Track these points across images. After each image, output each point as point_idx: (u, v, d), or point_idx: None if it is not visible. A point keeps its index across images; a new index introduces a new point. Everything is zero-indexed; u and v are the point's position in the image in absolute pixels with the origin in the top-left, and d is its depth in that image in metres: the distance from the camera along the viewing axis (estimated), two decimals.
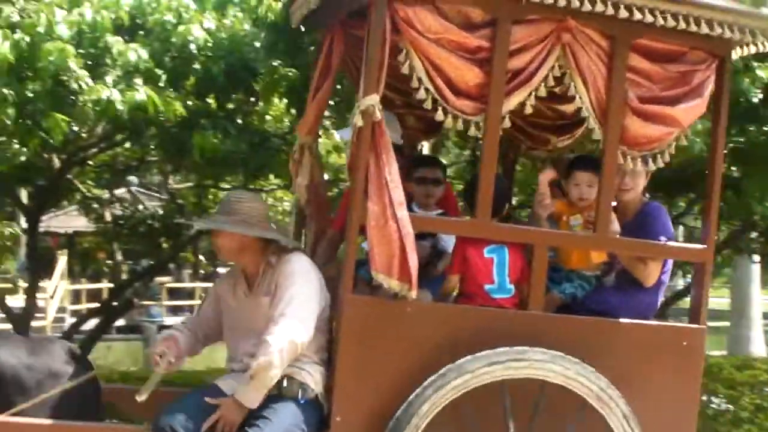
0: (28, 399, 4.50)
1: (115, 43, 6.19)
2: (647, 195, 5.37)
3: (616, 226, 4.98)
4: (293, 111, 7.23)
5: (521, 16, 4.68)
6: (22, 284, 18.15)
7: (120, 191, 13.80)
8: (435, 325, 4.63)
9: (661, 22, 4.72)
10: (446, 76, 4.63)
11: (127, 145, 8.89)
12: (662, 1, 4.71)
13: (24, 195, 10.27)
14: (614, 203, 5.38)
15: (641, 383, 4.81)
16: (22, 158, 7.91)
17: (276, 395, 4.44)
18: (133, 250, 18.04)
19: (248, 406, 4.37)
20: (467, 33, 4.62)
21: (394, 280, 4.49)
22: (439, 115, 4.64)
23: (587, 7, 4.60)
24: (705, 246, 4.98)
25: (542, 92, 4.77)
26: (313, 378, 4.53)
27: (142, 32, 6.53)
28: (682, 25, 4.75)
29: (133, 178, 15.32)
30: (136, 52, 6.15)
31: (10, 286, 20.87)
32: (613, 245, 4.96)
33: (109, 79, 6.13)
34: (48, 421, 4.42)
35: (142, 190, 17.15)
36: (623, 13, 4.66)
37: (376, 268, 4.49)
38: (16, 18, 6.34)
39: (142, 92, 6.07)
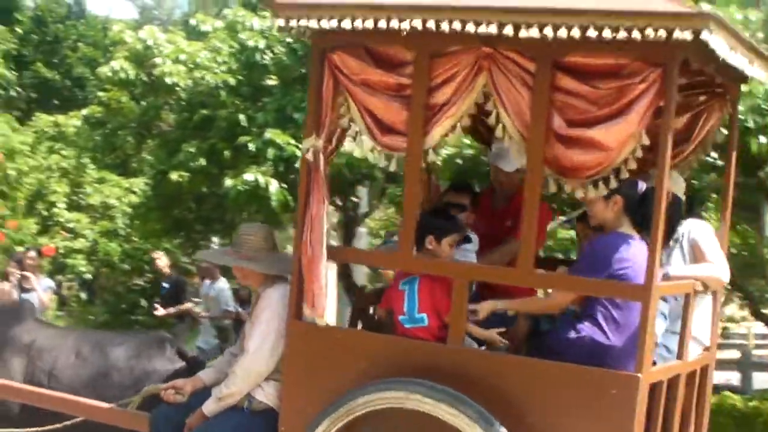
0: (126, 393, 5.80)
1: None
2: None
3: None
4: None
5: (439, 50, 4.67)
6: None
7: None
8: (356, 352, 4.87)
9: (578, 35, 4.29)
10: (373, 114, 4.84)
11: None
12: (578, 15, 4.27)
13: None
14: None
15: None
16: None
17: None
18: None
19: (208, 415, 5.19)
20: (385, 71, 4.78)
21: (308, 308, 4.89)
22: (368, 153, 4.88)
23: (492, 31, 4.42)
24: (643, 284, 4.33)
25: (466, 122, 4.72)
26: (264, 392, 5.14)
27: None
28: (607, 35, 4.25)
29: None
30: None
31: None
32: (533, 280, 4.62)
33: None
34: (61, 395, 5.71)
35: None
36: (533, 33, 4.36)
37: (303, 298, 4.93)
38: None
39: None
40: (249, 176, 9.37)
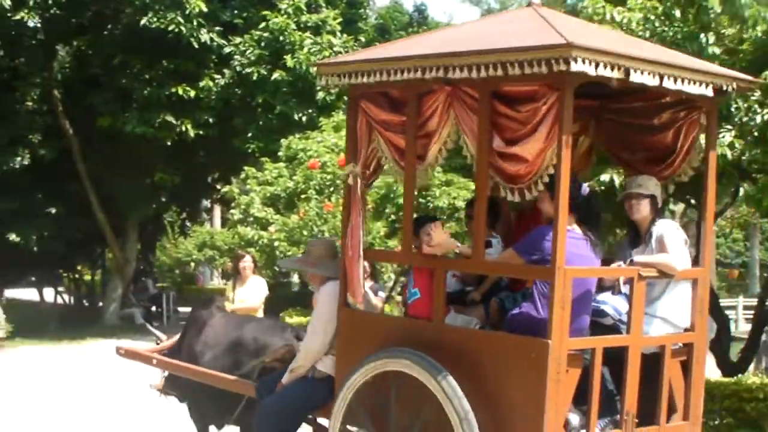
0: (250, 359, 7.58)
1: None
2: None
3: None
4: None
5: (425, 89, 5.96)
6: None
7: None
8: (377, 331, 6.26)
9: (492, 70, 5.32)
10: (393, 145, 6.24)
11: None
12: (488, 55, 5.35)
13: None
14: None
15: (495, 393, 5.46)
16: None
17: None
18: None
19: (284, 384, 6.82)
20: (392, 112, 6.17)
21: (350, 296, 6.32)
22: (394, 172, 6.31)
23: (440, 74, 5.59)
24: (552, 267, 5.28)
25: (449, 145, 5.97)
26: (324, 363, 6.65)
27: None
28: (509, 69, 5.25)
29: None
30: None
31: None
32: (483, 267, 5.74)
33: None
34: (184, 364, 7.60)
35: None
36: (464, 73, 5.47)
37: (347, 289, 6.37)
38: None
39: None
40: (605, 177, 9.38)
